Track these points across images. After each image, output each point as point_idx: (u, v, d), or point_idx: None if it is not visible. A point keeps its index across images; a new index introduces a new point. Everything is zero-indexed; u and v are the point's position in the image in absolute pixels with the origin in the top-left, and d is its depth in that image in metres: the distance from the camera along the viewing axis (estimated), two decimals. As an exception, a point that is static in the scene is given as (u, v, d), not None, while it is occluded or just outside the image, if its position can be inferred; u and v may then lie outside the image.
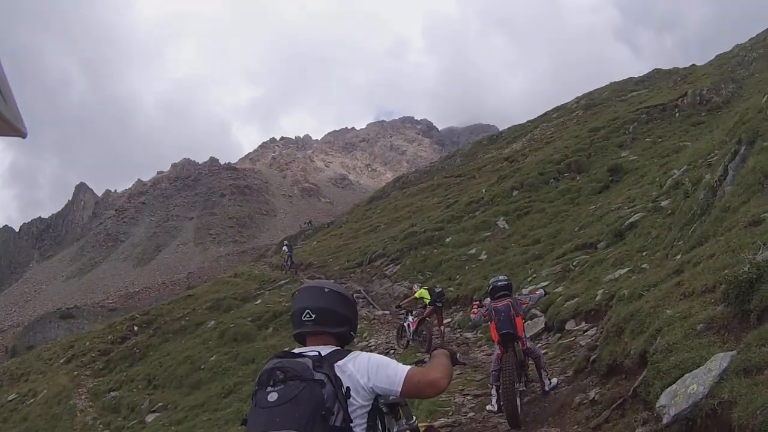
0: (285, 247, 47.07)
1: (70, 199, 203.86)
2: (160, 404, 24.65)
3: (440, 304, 17.09)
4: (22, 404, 31.81)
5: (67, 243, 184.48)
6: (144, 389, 27.64)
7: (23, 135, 1.68)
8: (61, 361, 38.28)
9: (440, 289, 17.73)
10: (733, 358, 4.55)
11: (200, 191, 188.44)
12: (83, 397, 29.72)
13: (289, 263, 43.36)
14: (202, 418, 20.57)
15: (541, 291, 10.81)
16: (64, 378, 33.20)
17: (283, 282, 37.57)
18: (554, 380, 9.50)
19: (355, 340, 3.38)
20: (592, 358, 8.54)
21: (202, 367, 26.28)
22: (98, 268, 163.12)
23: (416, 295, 17.69)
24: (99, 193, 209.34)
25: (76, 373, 33.88)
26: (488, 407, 9.44)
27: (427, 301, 16.98)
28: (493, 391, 9.28)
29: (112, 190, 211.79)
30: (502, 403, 8.74)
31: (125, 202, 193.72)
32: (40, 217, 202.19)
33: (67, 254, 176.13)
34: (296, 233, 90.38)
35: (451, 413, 9.58)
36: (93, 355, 36.17)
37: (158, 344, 33.41)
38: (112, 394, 28.24)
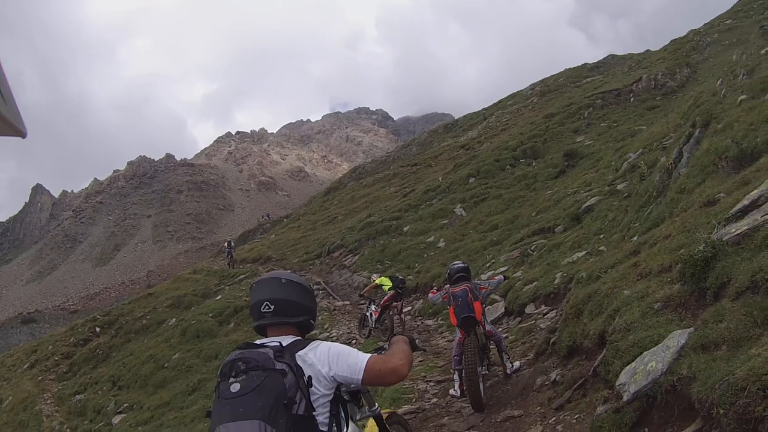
0: (226, 244, 49.91)
1: (27, 201, 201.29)
2: (125, 405, 24.33)
3: (401, 290, 17.10)
4: (-12, 413, 31.19)
5: (25, 246, 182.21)
6: (109, 391, 27.27)
7: (23, 135, 1.68)
8: (25, 366, 37.63)
9: (402, 277, 17.80)
10: (691, 335, 4.63)
11: (157, 188, 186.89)
12: (49, 402, 29.26)
13: (229, 258, 46.18)
14: (169, 416, 20.37)
15: (501, 276, 10.98)
16: (29, 384, 32.66)
17: (242, 276, 37.34)
18: (516, 363, 9.58)
19: (316, 331, 3.40)
20: (552, 340, 8.63)
21: (166, 365, 25.99)
22: (58, 270, 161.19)
23: (377, 281, 17.71)
24: (56, 194, 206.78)
25: (40, 378, 33.37)
26: (451, 392, 9.47)
27: (387, 287, 17.01)
28: (456, 376, 9.33)
29: (69, 191, 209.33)
30: (464, 387, 8.80)
31: (82, 203, 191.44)
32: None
33: (26, 257, 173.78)
34: (254, 227, 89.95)
35: (414, 400, 9.62)
36: (56, 358, 35.61)
37: (121, 344, 33.01)
38: (78, 397, 27.84)
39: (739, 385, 3.49)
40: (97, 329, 37.27)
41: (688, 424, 4.26)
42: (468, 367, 8.51)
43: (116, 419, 23.22)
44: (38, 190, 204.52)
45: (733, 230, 5.39)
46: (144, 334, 32.91)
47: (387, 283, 17.12)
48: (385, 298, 17.11)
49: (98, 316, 41.72)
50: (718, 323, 4.46)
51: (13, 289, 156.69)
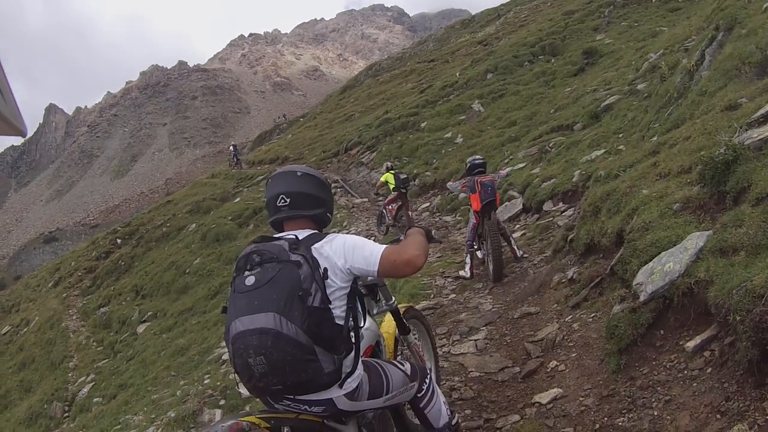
0: (231, 147, 54.19)
1: (41, 122, 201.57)
2: (149, 313, 24.75)
3: (404, 191, 17.15)
4: (16, 335, 31.93)
5: (42, 167, 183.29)
6: (132, 301, 27.72)
7: (23, 134, 1.67)
8: (49, 285, 38.32)
9: (405, 176, 17.79)
10: (709, 238, 4.58)
11: (171, 96, 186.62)
12: (74, 317, 29.90)
13: (235, 161, 50.28)
14: (191, 322, 20.69)
15: (508, 169, 12.26)
16: (54, 302, 33.31)
17: (260, 177, 37.39)
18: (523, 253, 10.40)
19: (335, 228, 3.40)
20: (569, 238, 8.61)
21: (187, 271, 26.31)
22: (76, 186, 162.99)
23: (382, 179, 17.77)
24: (70, 111, 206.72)
25: (64, 295, 34.02)
26: (461, 273, 10.43)
27: (392, 186, 17.08)
28: (467, 259, 10.39)
29: (83, 107, 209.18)
30: (487, 262, 9.92)
31: (97, 117, 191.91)
32: (12, 145, 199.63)
33: (44, 178, 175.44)
34: (270, 128, 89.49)
35: (432, 296, 9.72)
36: (79, 274, 36.19)
37: (142, 254, 33.36)
38: (102, 310, 28.31)
39: (756, 293, 3.46)
40: (118, 241, 37.73)
41: (704, 328, 4.28)
42: (493, 242, 9.45)
43: (141, 328, 23.66)
44: (52, 109, 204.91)
45: (755, 135, 5.26)
46: (165, 242, 33.22)
47: (392, 181, 17.17)
48: (389, 198, 17.30)
49: (119, 228, 42.23)
50: (737, 228, 4.41)
51: (34, 210, 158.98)
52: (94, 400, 18.14)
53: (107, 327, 26.45)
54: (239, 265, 3.05)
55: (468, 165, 10.70)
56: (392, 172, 17.76)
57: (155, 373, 16.48)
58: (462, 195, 11.40)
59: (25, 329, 31.51)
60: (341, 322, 2.97)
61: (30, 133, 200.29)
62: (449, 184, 11.30)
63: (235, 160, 49.81)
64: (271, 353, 2.78)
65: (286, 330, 2.77)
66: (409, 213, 17.32)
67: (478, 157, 10.95)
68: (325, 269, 2.96)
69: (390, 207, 17.38)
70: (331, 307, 2.92)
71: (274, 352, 2.77)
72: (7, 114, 1.50)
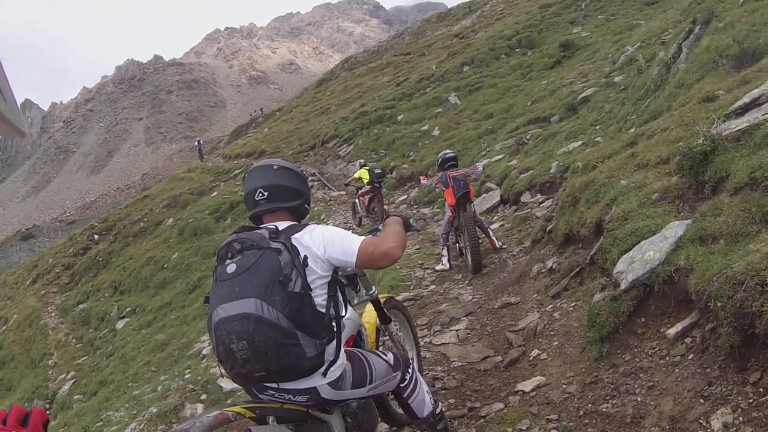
0: (196, 143, 61.49)
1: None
2: (128, 309, 24.71)
3: (378, 185, 17.26)
4: (-5, 334, 31.63)
5: (18, 163, 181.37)
6: (111, 297, 27.66)
7: (24, 135, 1.68)
8: (27, 282, 38.10)
9: (380, 171, 17.90)
10: (689, 227, 4.62)
11: (147, 90, 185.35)
12: (53, 314, 29.81)
13: (200, 155, 57.38)
14: (170, 317, 20.66)
15: (480, 168, 12.60)
16: (32, 299, 33.13)
17: (237, 171, 37.34)
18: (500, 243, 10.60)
19: (313, 221, 3.42)
20: (548, 229, 8.62)
21: (165, 266, 26.27)
22: (52, 183, 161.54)
23: (356, 175, 17.96)
24: (45, 107, 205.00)
25: (43, 292, 33.87)
26: (439, 267, 10.59)
27: (366, 180, 17.19)
28: (444, 251, 10.59)
29: (59, 102, 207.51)
30: (464, 254, 10.23)
31: (72, 112, 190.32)
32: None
33: (19, 174, 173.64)
34: (247, 122, 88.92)
35: (412, 287, 9.80)
36: (57, 270, 36.04)
37: (120, 249, 33.27)
38: (81, 306, 28.26)
39: (737, 279, 3.50)
40: (96, 237, 37.57)
41: (685, 315, 4.34)
42: (470, 234, 9.63)
43: (120, 324, 23.58)
44: (27, 105, 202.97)
45: (733, 126, 5.30)
46: (142, 237, 33.15)
47: (366, 176, 17.28)
48: (362, 191, 17.46)
49: (96, 224, 42.10)
50: (716, 217, 4.46)
51: (10, 208, 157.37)
52: (75, 397, 18.04)
53: (86, 323, 26.34)
54: (220, 254, 3.06)
55: (440, 160, 10.88)
56: (367, 167, 17.89)
57: (135, 369, 16.40)
58: (437, 189, 11.51)
59: (4, 327, 31.25)
60: (323, 310, 3.00)
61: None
62: (423, 182, 11.56)
63: (200, 152, 56.44)
64: (253, 338, 2.79)
65: (267, 315, 2.79)
66: (383, 205, 17.43)
67: (449, 151, 11.17)
68: (306, 257, 2.98)
69: (362, 198, 17.53)
70: (312, 294, 2.95)
71: (256, 336, 2.79)
72: (7, 114, 1.51)
